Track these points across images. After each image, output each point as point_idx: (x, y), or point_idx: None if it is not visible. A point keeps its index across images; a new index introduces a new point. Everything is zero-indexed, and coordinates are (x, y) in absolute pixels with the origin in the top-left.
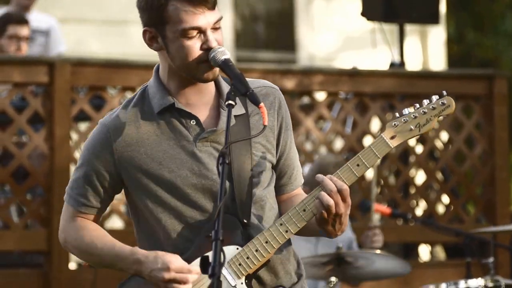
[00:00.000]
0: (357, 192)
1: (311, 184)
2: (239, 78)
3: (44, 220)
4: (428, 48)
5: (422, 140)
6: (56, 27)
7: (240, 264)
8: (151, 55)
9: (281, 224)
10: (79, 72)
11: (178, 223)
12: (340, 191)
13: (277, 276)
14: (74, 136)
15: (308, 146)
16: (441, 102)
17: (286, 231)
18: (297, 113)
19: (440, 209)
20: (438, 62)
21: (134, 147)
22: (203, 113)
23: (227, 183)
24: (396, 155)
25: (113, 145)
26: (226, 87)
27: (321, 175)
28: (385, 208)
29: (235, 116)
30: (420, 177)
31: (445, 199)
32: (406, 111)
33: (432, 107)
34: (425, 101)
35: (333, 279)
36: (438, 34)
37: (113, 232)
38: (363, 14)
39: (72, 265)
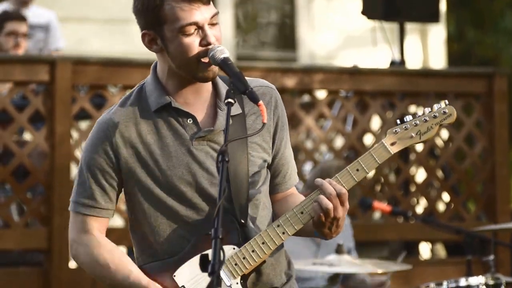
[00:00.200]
0: (357, 190)
1: (313, 188)
2: (238, 77)
3: (44, 219)
4: (428, 47)
5: None
6: (55, 22)
7: (236, 264)
8: (151, 54)
9: (278, 226)
10: (80, 70)
11: (173, 221)
12: (339, 195)
13: (268, 277)
14: (75, 134)
15: (308, 145)
16: (443, 111)
17: (283, 233)
18: (297, 112)
19: (441, 207)
20: (438, 60)
21: (132, 144)
22: (200, 113)
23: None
24: (396, 153)
25: (113, 142)
26: (223, 87)
27: (320, 179)
28: (385, 206)
29: (232, 115)
30: (420, 175)
31: (446, 197)
32: (407, 118)
33: (434, 115)
34: (427, 110)
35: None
36: (438, 33)
37: (113, 231)
38: (363, 12)
39: (73, 264)
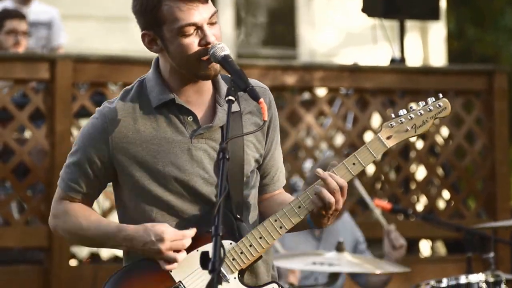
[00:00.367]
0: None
1: (313, 184)
2: (238, 74)
3: (44, 217)
4: (428, 44)
5: (422, 135)
6: (58, 18)
7: (233, 259)
8: (152, 51)
9: (275, 220)
10: (80, 68)
11: (169, 216)
12: (341, 188)
13: (262, 272)
14: (75, 132)
15: (309, 142)
16: (438, 104)
17: (281, 227)
18: (298, 109)
19: (441, 204)
20: (438, 58)
21: (130, 139)
22: (200, 110)
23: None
24: (396, 151)
25: (110, 135)
26: (224, 85)
27: (321, 170)
28: (385, 204)
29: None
30: (420, 172)
31: (446, 194)
32: (402, 112)
33: (429, 109)
34: (421, 103)
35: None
36: (438, 30)
37: None
38: (363, 10)
39: (73, 262)
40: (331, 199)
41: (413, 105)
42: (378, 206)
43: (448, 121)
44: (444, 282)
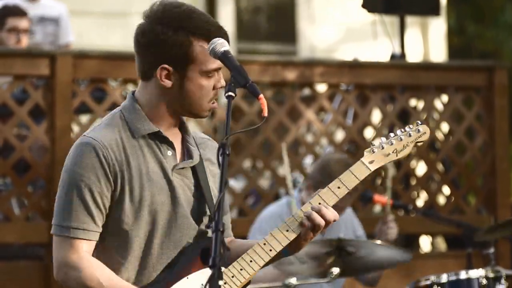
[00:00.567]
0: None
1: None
2: (238, 70)
3: (45, 213)
4: (428, 40)
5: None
6: (66, 16)
7: (225, 283)
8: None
9: (264, 244)
10: (80, 64)
11: (149, 247)
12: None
13: None
14: (75, 128)
15: (309, 138)
16: (417, 130)
17: (270, 250)
18: (298, 105)
19: (441, 200)
20: (438, 53)
21: (122, 168)
22: (176, 146)
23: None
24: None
25: (110, 165)
26: (187, 125)
27: (309, 212)
28: (386, 199)
29: (194, 164)
30: (421, 168)
31: (446, 190)
32: (383, 139)
33: (409, 134)
34: (400, 131)
35: (335, 270)
36: (438, 26)
37: None
38: (363, 6)
39: None
40: (322, 222)
41: (393, 133)
42: (378, 202)
43: (448, 117)
44: (444, 277)
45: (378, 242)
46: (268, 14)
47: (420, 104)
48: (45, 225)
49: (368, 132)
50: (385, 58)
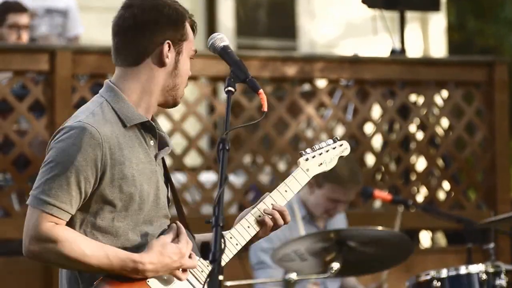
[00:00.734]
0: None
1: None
2: (238, 65)
3: None
4: (428, 35)
5: (422, 126)
6: (75, 7)
7: (202, 271)
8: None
9: (231, 238)
10: (80, 60)
11: (136, 236)
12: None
13: None
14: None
15: (309, 133)
16: (340, 144)
17: (237, 244)
18: (298, 100)
19: (441, 195)
20: (438, 49)
21: (115, 156)
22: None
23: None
24: (396, 142)
25: (103, 153)
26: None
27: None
28: (386, 195)
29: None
30: (421, 163)
31: (446, 185)
32: (312, 149)
33: (333, 147)
34: (324, 143)
35: (335, 265)
36: (438, 21)
37: None
38: (364, 1)
39: None
40: (282, 222)
41: (317, 145)
42: (379, 197)
43: (448, 112)
44: (444, 272)
45: (380, 228)
46: (268, 9)
47: (420, 100)
48: None
49: (368, 128)
50: (385, 53)
